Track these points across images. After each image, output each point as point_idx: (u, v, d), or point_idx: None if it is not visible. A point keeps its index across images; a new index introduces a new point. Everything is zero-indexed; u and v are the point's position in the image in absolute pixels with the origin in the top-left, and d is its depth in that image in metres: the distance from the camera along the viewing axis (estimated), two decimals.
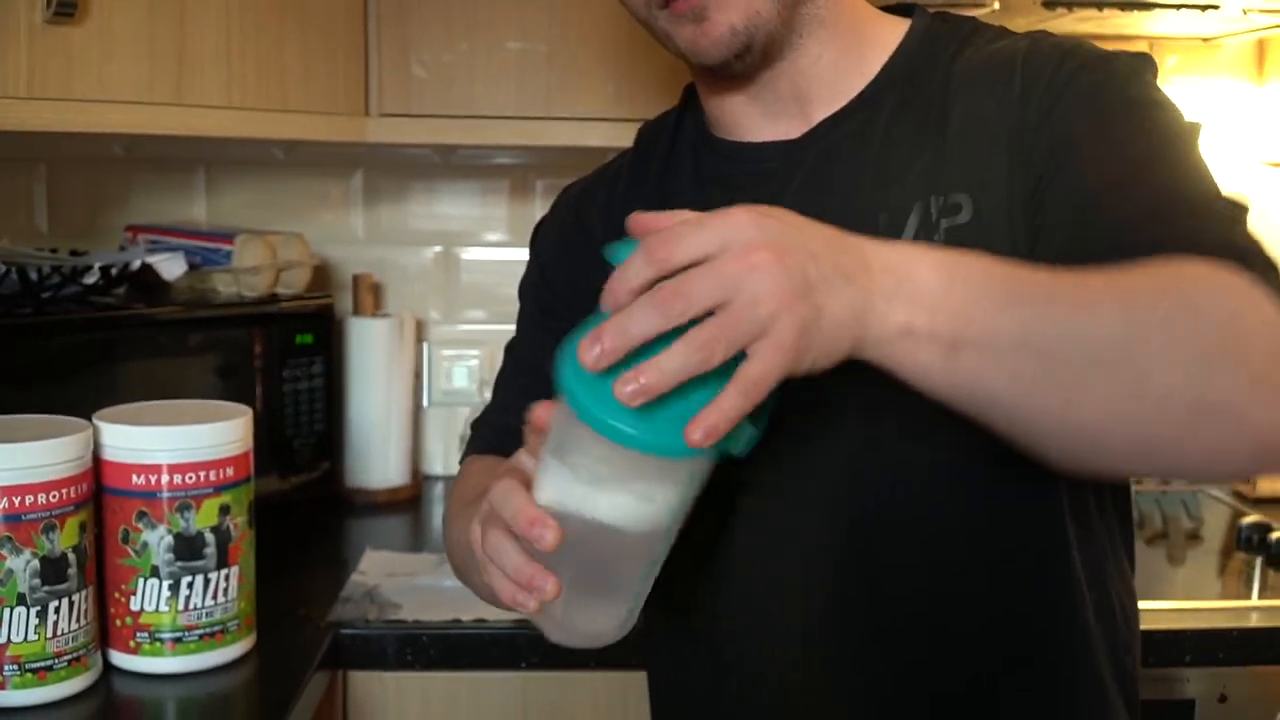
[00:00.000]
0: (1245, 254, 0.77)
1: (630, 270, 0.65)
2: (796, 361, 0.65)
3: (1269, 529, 1.84)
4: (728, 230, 0.65)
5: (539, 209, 2.11)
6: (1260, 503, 2.02)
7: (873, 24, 1.03)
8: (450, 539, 1.10)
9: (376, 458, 2.02)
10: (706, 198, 1.01)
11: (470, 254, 2.17)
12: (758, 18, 0.93)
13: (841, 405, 0.91)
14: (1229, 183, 0.90)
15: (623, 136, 1.76)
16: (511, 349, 1.21)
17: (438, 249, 2.17)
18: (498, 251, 2.16)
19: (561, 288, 1.14)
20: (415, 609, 1.50)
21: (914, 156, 0.94)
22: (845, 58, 1.00)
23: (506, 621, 1.46)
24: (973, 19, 1.03)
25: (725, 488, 0.81)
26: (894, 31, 1.02)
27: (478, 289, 2.17)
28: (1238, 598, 1.67)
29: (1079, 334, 0.70)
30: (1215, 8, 1.69)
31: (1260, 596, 1.68)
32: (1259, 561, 1.78)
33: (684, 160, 1.08)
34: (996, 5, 1.66)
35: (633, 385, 0.63)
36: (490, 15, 1.75)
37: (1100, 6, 1.67)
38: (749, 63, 0.97)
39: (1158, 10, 1.71)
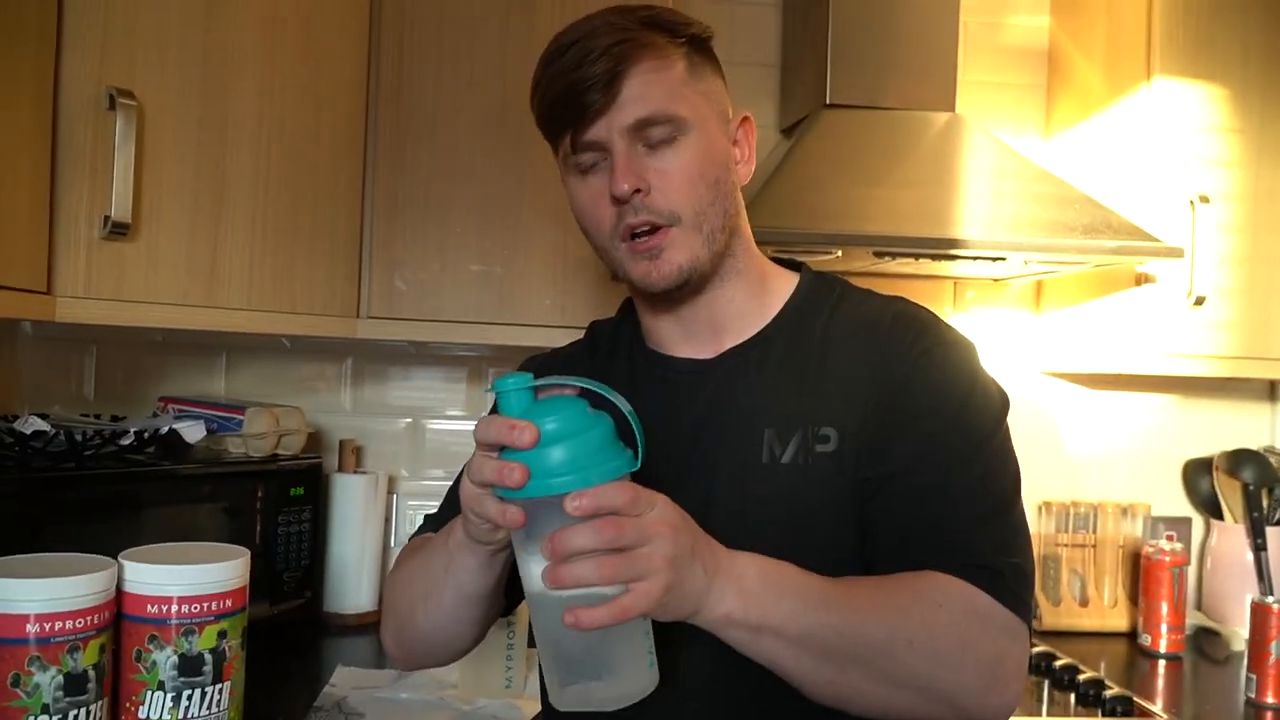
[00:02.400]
0: (997, 575, 0.88)
1: (608, 496, 0.75)
2: (657, 608, 0.76)
3: (1054, 657, 1.85)
4: (655, 504, 0.77)
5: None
6: (1045, 635, 2.04)
7: (773, 277, 1.06)
8: (400, 572, 1.06)
9: (350, 588, 1.97)
10: (636, 393, 1.02)
11: (435, 424, 2.16)
12: (696, 260, 0.97)
13: None
14: (1015, 389, 0.96)
15: (556, 338, 1.80)
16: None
17: (409, 420, 2.16)
18: (457, 423, 2.16)
19: None
20: (376, 717, 1.44)
21: (798, 392, 0.97)
22: (751, 301, 1.04)
23: None
24: (844, 280, 1.07)
25: None
26: (787, 284, 1.06)
27: (440, 452, 2.16)
28: (1030, 714, 1.66)
29: (846, 639, 0.83)
30: (1003, 259, 1.75)
31: (1049, 713, 1.68)
32: (1046, 683, 1.78)
33: (622, 360, 1.09)
34: (839, 253, 1.71)
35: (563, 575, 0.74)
36: (457, 244, 1.79)
37: (916, 257, 1.72)
38: (683, 294, 1.00)
39: (960, 260, 1.77)
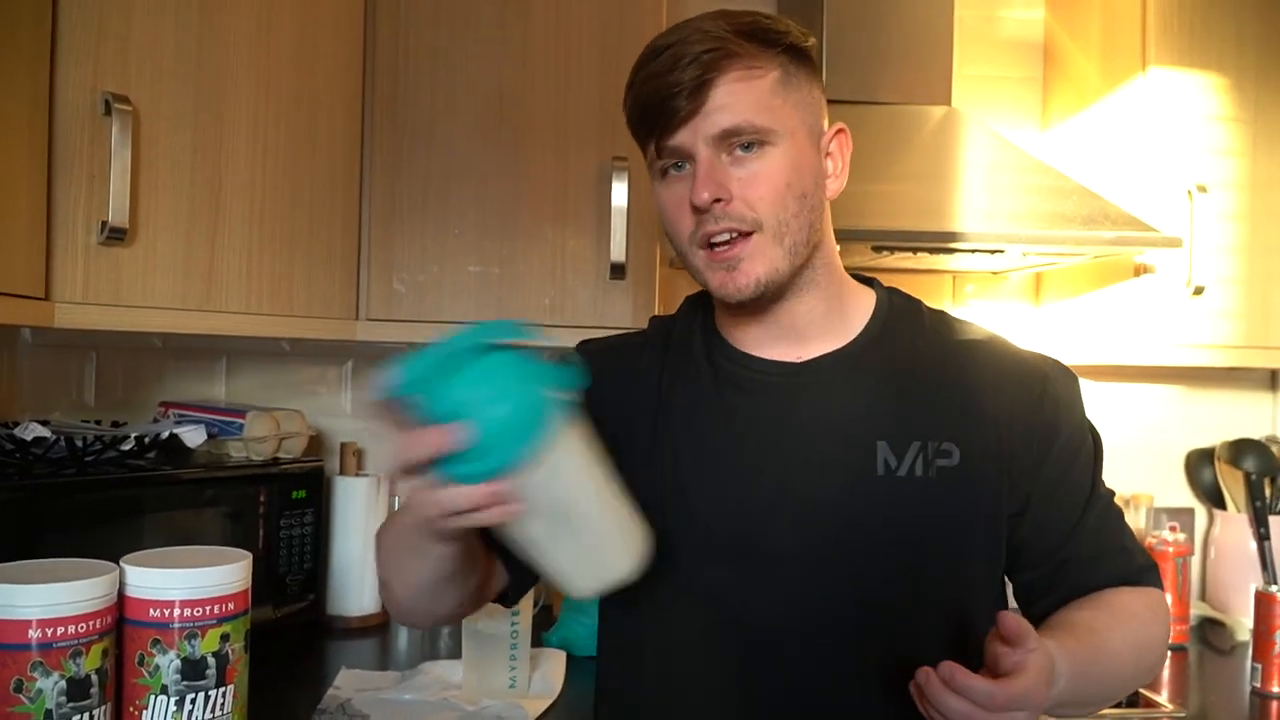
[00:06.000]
0: (1155, 570, 1.05)
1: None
2: None
3: None
4: (1028, 694, 0.81)
5: None
6: None
7: (851, 291, 1.06)
8: (378, 543, 1.03)
9: (353, 590, 1.97)
10: (722, 395, 1.03)
11: None
12: (775, 273, 0.96)
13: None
14: None
15: (556, 338, 1.78)
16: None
17: None
18: None
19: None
20: (381, 719, 1.44)
21: (904, 405, 0.99)
22: (832, 313, 1.03)
23: None
24: (918, 301, 1.10)
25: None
26: (866, 299, 1.06)
27: None
28: None
29: (1113, 690, 0.97)
30: (1001, 252, 1.74)
31: None
32: None
33: (700, 359, 1.07)
34: (837, 249, 1.68)
35: None
36: (455, 245, 1.78)
37: (915, 250, 1.72)
38: (761, 304, 0.99)
39: (958, 253, 1.76)
